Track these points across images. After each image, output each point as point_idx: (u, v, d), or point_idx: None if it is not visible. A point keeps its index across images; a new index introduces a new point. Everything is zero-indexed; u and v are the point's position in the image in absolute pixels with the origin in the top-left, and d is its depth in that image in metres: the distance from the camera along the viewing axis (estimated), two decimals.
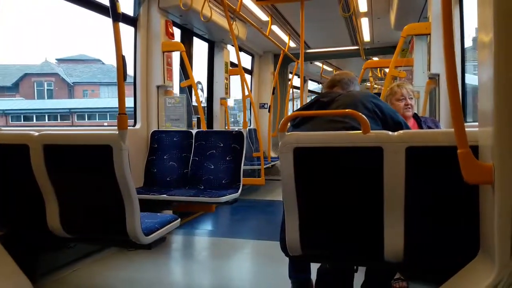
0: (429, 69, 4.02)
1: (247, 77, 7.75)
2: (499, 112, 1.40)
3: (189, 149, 4.14)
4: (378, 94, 4.19)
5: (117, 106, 2.16)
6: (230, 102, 7.16)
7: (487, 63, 1.46)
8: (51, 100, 23.27)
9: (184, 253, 3.97)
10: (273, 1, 4.96)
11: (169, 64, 4.59)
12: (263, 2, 4.97)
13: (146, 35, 4.44)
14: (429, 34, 4.00)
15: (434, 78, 4.07)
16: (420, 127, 2.95)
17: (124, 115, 2.18)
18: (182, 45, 4.58)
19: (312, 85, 12.83)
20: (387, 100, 2.98)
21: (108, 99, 23.23)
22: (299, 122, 2.31)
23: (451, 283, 1.70)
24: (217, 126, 6.21)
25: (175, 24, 4.91)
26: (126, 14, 4.26)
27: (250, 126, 7.62)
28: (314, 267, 2.50)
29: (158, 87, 4.50)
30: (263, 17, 6.05)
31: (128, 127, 2.24)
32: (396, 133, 1.81)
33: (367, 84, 10.49)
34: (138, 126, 4.35)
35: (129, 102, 2.76)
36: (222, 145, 4.01)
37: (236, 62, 6.56)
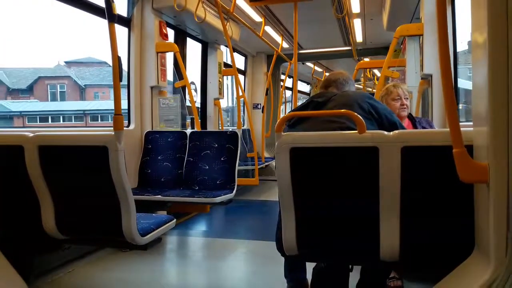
0: (422, 69, 4.05)
1: (240, 77, 7.76)
2: (494, 112, 1.42)
3: (184, 150, 4.14)
4: (372, 94, 4.21)
5: (126, 108, 2.16)
6: (223, 104, 7.15)
7: (482, 63, 1.48)
8: (66, 102, 23.92)
9: (179, 253, 3.96)
10: (267, 2, 4.96)
11: (163, 65, 4.58)
12: (256, 3, 4.97)
13: (139, 35, 4.43)
14: (422, 35, 4.03)
15: (427, 79, 4.10)
16: (415, 127, 2.98)
17: (120, 115, 2.18)
18: (176, 45, 4.57)
19: (300, 86, 12.77)
20: (382, 100, 3.00)
21: None
22: (294, 122, 2.32)
23: (447, 281, 1.72)
24: (211, 126, 6.21)
25: (169, 25, 4.90)
26: (120, 14, 4.25)
27: (243, 126, 7.63)
28: (310, 266, 2.51)
29: (152, 87, 4.48)
30: (257, 18, 6.06)
31: None
32: (391, 133, 1.83)
33: (360, 85, 10.55)
34: (132, 127, 4.33)
35: (122, 103, 2.75)
36: (216, 145, 4.02)
37: (229, 62, 6.61)
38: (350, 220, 1.94)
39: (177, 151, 4.14)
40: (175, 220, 2.74)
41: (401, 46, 5.59)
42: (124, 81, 4.10)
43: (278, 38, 7.12)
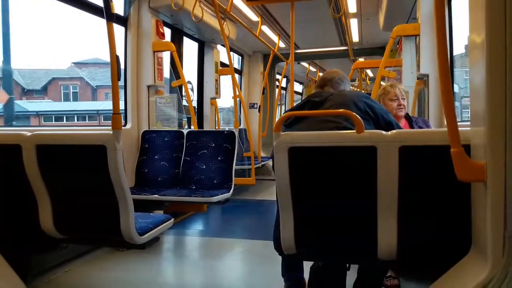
0: (418, 69, 4.07)
1: (237, 77, 7.76)
2: (491, 111, 1.43)
3: (181, 149, 4.13)
4: (369, 94, 4.23)
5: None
6: (225, 104, 7.15)
7: (479, 63, 1.49)
8: (80, 102, 24.40)
9: (176, 253, 3.97)
10: (264, 1, 4.97)
11: (160, 64, 4.58)
12: (253, 2, 4.97)
13: (136, 34, 4.42)
14: (418, 35, 4.05)
15: (423, 79, 4.12)
16: (412, 127, 2.99)
17: (118, 115, 2.18)
18: (173, 45, 4.57)
19: (295, 86, 12.78)
20: (379, 100, 3.00)
21: None
22: (291, 122, 2.32)
23: (444, 280, 1.73)
24: (207, 126, 6.21)
25: (165, 24, 4.89)
26: (117, 13, 4.23)
27: (240, 126, 7.63)
28: (307, 266, 2.52)
29: (148, 87, 4.48)
30: (253, 17, 6.06)
31: None
32: (389, 132, 1.84)
33: (356, 86, 10.58)
34: (128, 126, 4.32)
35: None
36: (213, 145, 4.02)
37: (225, 62, 6.60)
38: (348, 219, 1.94)
39: (174, 151, 4.14)
40: (172, 219, 2.74)
41: (397, 46, 5.61)
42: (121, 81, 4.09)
43: (274, 37, 7.13)
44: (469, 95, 1.66)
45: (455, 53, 4.34)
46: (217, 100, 6.37)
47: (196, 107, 6.16)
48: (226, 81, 6.60)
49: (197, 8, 4.57)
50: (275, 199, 2.13)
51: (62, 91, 25.06)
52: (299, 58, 9.17)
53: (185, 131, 4.22)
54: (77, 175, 2.34)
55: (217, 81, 6.30)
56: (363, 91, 11.27)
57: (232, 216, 5.33)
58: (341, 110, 2.04)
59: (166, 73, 4.86)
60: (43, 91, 24.27)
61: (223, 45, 6.20)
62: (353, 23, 6.70)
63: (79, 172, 2.33)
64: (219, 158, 3.96)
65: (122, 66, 4.39)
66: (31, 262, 2.89)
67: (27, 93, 24.47)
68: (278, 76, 9.40)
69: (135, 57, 4.42)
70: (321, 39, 7.82)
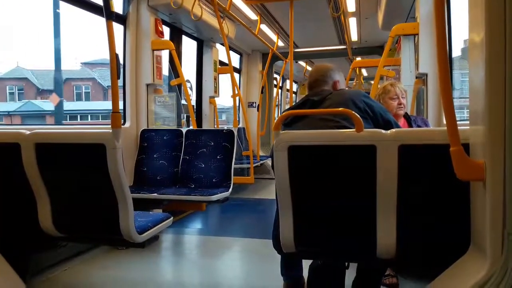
0: (417, 68, 4.07)
1: (236, 76, 7.76)
2: (490, 110, 1.43)
3: (179, 148, 4.14)
4: (368, 92, 4.24)
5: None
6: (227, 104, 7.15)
7: (479, 63, 1.50)
8: (93, 102, 25.30)
9: (175, 251, 3.97)
10: (263, 0, 4.97)
11: (159, 63, 4.58)
12: (252, 1, 4.98)
13: (135, 33, 4.42)
14: (417, 34, 4.05)
15: (421, 78, 4.13)
16: (411, 126, 3.00)
17: (118, 113, 2.17)
18: (172, 43, 4.57)
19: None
20: (380, 99, 3.00)
21: None
22: (290, 121, 2.32)
23: (443, 278, 1.73)
24: (206, 125, 6.21)
25: (164, 23, 4.89)
26: (116, 12, 4.23)
27: (239, 125, 7.64)
28: (306, 264, 2.52)
29: (147, 85, 4.48)
30: (253, 16, 6.06)
31: None
32: (389, 131, 1.84)
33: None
34: (127, 124, 4.32)
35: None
36: (212, 143, 4.02)
37: (224, 60, 6.60)
38: (348, 217, 1.95)
39: (173, 149, 4.14)
40: (172, 218, 2.75)
41: (396, 45, 5.62)
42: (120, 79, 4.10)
43: (273, 36, 7.13)
44: (468, 94, 1.67)
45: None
46: (217, 99, 6.37)
47: (195, 106, 6.15)
48: (225, 80, 6.60)
49: (196, 6, 4.57)
50: (274, 198, 2.13)
51: (74, 91, 26.22)
52: (298, 57, 9.18)
53: (184, 130, 4.21)
54: (77, 173, 2.34)
55: (216, 80, 6.30)
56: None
57: (231, 215, 5.34)
58: (341, 109, 2.04)
59: (165, 72, 4.86)
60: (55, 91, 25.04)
61: (222, 44, 6.21)
62: (352, 22, 6.71)
63: (79, 170, 2.33)
64: (218, 157, 3.96)
65: (121, 65, 4.39)
66: (30, 260, 2.89)
67: (42, 93, 25.44)
68: (275, 75, 9.40)
69: (134, 56, 4.41)
70: (320, 38, 7.82)
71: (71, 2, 3.71)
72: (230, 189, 3.80)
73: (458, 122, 1.51)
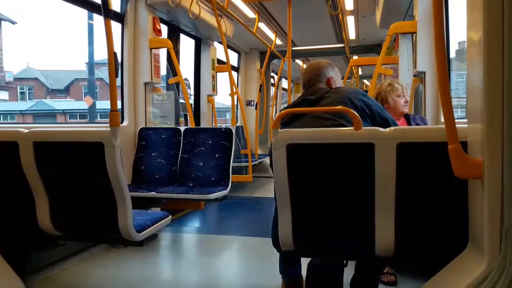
0: (415, 67, 4.08)
1: (234, 74, 7.75)
2: (488, 109, 1.44)
3: (178, 147, 4.14)
4: (366, 91, 4.25)
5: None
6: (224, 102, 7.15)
7: (477, 61, 1.50)
8: (101, 101, 25.88)
9: (173, 250, 3.97)
10: None
11: (157, 61, 4.57)
12: None
13: (133, 31, 4.41)
14: (415, 33, 4.06)
15: (419, 76, 4.14)
16: (409, 124, 3.01)
17: (116, 112, 2.17)
18: (170, 42, 4.56)
19: (284, 83, 12.69)
20: (387, 96, 3.01)
21: None
22: (288, 121, 2.31)
23: (441, 275, 1.74)
24: (204, 123, 6.20)
25: (162, 21, 4.88)
26: (114, 10, 4.23)
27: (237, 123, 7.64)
28: (305, 262, 2.53)
29: (145, 84, 4.48)
30: (250, 14, 6.06)
31: None
32: (387, 129, 1.85)
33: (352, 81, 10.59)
34: (125, 123, 4.32)
35: None
36: (210, 142, 4.02)
37: (222, 59, 6.60)
38: (346, 215, 1.95)
39: (171, 148, 4.14)
40: (170, 216, 2.75)
41: (394, 43, 5.62)
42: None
43: (271, 35, 7.12)
44: (466, 92, 1.67)
45: None
46: (218, 98, 6.37)
47: (193, 105, 6.15)
48: (223, 78, 6.60)
49: (194, 5, 4.56)
50: (272, 196, 2.13)
51: (83, 91, 27.17)
52: (296, 55, 9.18)
53: (182, 129, 4.21)
54: (75, 172, 2.33)
55: (214, 78, 6.30)
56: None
57: (230, 213, 5.34)
58: (339, 107, 2.05)
59: (163, 70, 4.86)
60: (66, 91, 26.54)
61: (220, 42, 6.20)
62: (350, 21, 6.71)
63: (77, 169, 2.33)
64: (216, 156, 3.96)
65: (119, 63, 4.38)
66: (29, 259, 2.89)
67: (51, 93, 26.67)
68: (272, 74, 9.40)
69: (132, 54, 4.41)
70: (318, 36, 7.82)
71: (69, 1, 3.70)
72: (229, 188, 3.80)
73: (456, 120, 1.52)
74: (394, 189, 1.82)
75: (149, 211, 2.91)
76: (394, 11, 5.20)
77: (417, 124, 3.03)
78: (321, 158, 1.93)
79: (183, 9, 4.54)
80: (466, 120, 1.70)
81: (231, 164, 3.94)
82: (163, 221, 2.63)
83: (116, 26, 4.33)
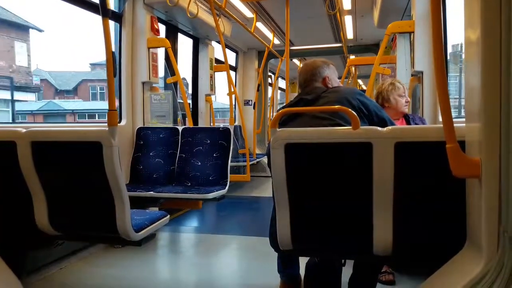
0: (412, 66, 4.08)
1: (232, 74, 7.75)
2: (486, 108, 1.44)
3: (176, 146, 4.13)
4: (364, 91, 4.25)
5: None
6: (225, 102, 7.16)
7: (474, 60, 1.50)
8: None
9: (172, 249, 3.97)
10: None
11: (154, 61, 4.57)
12: None
13: (131, 31, 4.41)
14: (413, 32, 4.06)
15: (417, 75, 4.14)
16: (409, 124, 3.02)
17: (114, 111, 2.17)
18: (168, 41, 4.56)
19: (281, 82, 12.66)
20: (389, 96, 3.01)
21: None
22: (285, 120, 2.31)
23: (439, 274, 1.74)
24: (202, 122, 6.20)
25: (160, 20, 4.88)
26: (112, 9, 4.23)
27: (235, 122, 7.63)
28: (303, 262, 2.53)
29: (143, 83, 4.47)
30: (248, 14, 6.06)
31: None
32: (385, 128, 1.85)
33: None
34: (123, 122, 4.32)
35: None
36: (209, 141, 4.01)
37: (220, 58, 6.60)
38: (344, 215, 1.96)
39: (169, 147, 4.14)
40: (168, 216, 2.74)
41: (391, 43, 5.63)
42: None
43: (269, 34, 7.13)
44: (464, 92, 1.67)
45: None
46: (219, 98, 6.38)
47: (191, 104, 6.15)
48: (221, 78, 6.59)
49: (192, 4, 4.56)
50: (270, 195, 2.13)
51: (90, 92, 28.31)
52: (294, 55, 9.19)
53: (180, 128, 4.21)
54: (73, 172, 2.33)
55: (212, 78, 6.29)
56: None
57: (227, 213, 5.34)
58: (337, 106, 2.05)
59: (161, 69, 4.85)
60: (73, 91, 27.43)
61: (218, 42, 6.20)
62: (348, 20, 6.72)
63: (75, 169, 2.32)
64: (214, 155, 3.96)
65: (117, 63, 4.37)
66: (27, 259, 2.88)
67: (59, 93, 27.53)
68: (269, 73, 9.40)
69: (129, 54, 4.41)
70: (315, 36, 7.83)
71: (68, 0, 3.69)
72: (227, 187, 3.80)
73: (453, 120, 1.52)
74: (392, 188, 1.82)
75: (147, 210, 2.91)
76: (391, 11, 5.20)
77: (416, 124, 3.03)
78: (319, 158, 1.93)
79: (181, 9, 4.54)
80: (463, 120, 1.70)
81: (229, 163, 3.94)
82: (161, 220, 2.63)
83: (114, 26, 4.32)
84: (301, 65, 2.65)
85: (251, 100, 8.11)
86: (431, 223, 1.88)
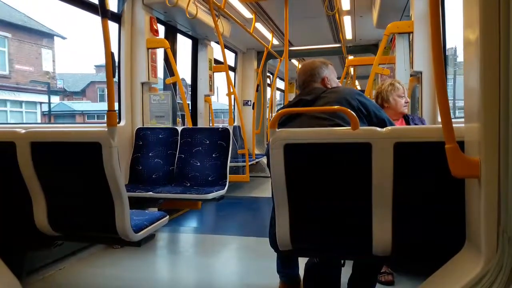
0: (412, 66, 4.09)
1: (231, 74, 7.75)
2: (485, 108, 1.44)
3: (175, 146, 4.13)
4: (362, 91, 4.26)
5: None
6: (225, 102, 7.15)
7: (473, 60, 1.50)
8: (116, 103, 28.05)
9: (171, 250, 3.97)
10: None
11: (154, 61, 4.57)
12: None
13: (130, 31, 4.41)
14: (412, 32, 4.07)
15: (416, 76, 4.15)
16: (408, 124, 3.02)
17: (113, 111, 2.17)
18: (167, 42, 4.56)
19: (279, 83, 12.64)
20: (388, 96, 3.01)
21: None
22: (285, 121, 2.31)
23: (438, 275, 1.74)
24: (202, 123, 6.20)
25: (159, 21, 4.88)
26: (111, 10, 4.22)
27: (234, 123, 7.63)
28: (302, 262, 2.53)
29: (142, 84, 4.47)
30: (247, 14, 6.06)
31: None
32: (384, 129, 1.85)
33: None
34: (122, 123, 4.32)
35: None
36: (208, 142, 4.01)
37: (219, 59, 6.60)
38: (343, 215, 1.96)
39: (168, 148, 4.13)
40: (168, 216, 2.74)
41: (390, 43, 5.63)
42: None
43: (268, 35, 7.13)
44: (463, 92, 1.67)
45: None
46: (217, 98, 6.38)
47: (190, 104, 6.15)
48: (220, 79, 6.59)
49: (191, 5, 4.56)
50: (269, 196, 2.13)
51: (98, 93, 28.58)
52: (293, 55, 9.19)
53: (179, 128, 4.21)
54: (72, 172, 2.33)
55: (211, 78, 6.30)
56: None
57: (227, 213, 5.34)
58: (336, 107, 2.05)
59: (160, 70, 4.85)
60: (82, 93, 27.96)
61: (217, 42, 6.19)
62: (347, 20, 6.71)
63: (74, 169, 2.32)
64: (213, 155, 3.96)
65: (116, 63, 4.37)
66: (26, 259, 2.87)
67: (68, 95, 27.98)
68: (268, 74, 9.40)
69: (129, 54, 4.40)
70: (314, 36, 7.83)
71: (67, 1, 3.69)
72: (226, 187, 3.80)
73: (453, 120, 1.52)
74: (391, 188, 1.82)
75: (146, 211, 2.91)
76: (390, 11, 5.21)
77: (416, 124, 3.04)
78: (318, 158, 1.93)
79: (180, 9, 4.54)
80: (463, 120, 1.70)
81: (229, 164, 3.94)
82: (160, 221, 2.63)
83: (113, 26, 4.32)
84: (300, 66, 2.65)
85: (250, 101, 8.11)
86: (430, 224, 1.88)
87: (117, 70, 4.36)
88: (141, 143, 4.21)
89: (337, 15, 5.83)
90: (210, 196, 3.55)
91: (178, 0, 4.38)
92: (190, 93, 6.28)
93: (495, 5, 1.40)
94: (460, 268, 1.62)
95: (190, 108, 6.06)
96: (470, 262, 1.57)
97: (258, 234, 4.02)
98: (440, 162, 1.57)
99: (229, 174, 3.96)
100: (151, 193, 3.64)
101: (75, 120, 25.60)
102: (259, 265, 3.33)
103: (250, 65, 8.46)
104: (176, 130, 4.19)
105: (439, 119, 1.55)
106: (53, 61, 20.88)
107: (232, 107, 6.37)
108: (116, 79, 4.30)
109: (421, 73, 4.01)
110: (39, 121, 21.53)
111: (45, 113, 23.66)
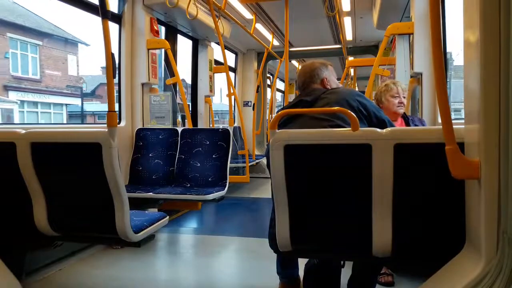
0: (412, 67, 4.09)
1: (231, 75, 7.75)
2: (485, 110, 1.44)
3: (175, 147, 4.13)
4: (363, 92, 4.26)
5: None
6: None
7: (474, 62, 1.50)
8: None
9: (171, 250, 3.96)
10: None
11: (154, 62, 4.57)
12: (248, 0, 4.98)
13: (130, 32, 4.41)
14: (412, 34, 4.07)
15: (416, 77, 4.14)
16: (408, 125, 3.02)
17: (114, 112, 2.17)
18: (167, 42, 4.56)
19: (278, 84, 12.63)
20: (381, 96, 3.01)
21: None
22: (285, 121, 2.31)
23: (438, 276, 1.74)
24: (202, 124, 6.20)
25: (159, 22, 4.88)
26: (111, 11, 4.23)
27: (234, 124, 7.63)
28: (302, 263, 2.53)
29: (143, 84, 4.47)
30: (248, 15, 6.06)
31: None
32: (384, 130, 1.85)
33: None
34: (122, 123, 4.32)
35: None
36: (208, 142, 4.01)
37: (219, 59, 6.60)
38: (343, 216, 1.96)
39: (168, 148, 4.14)
40: (167, 217, 2.74)
41: (390, 44, 5.63)
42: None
43: (268, 35, 7.13)
44: (463, 93, 1.68)
45: None
46: (218, 99, 6.38)
47: (190, 105, 6.15)
48: (220, 80, 6.59)
49: (192, 5, 4.56)
50: (269, 196, 2.13)
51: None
52: (293, 56, 9.19)
53: (179, 129, 4.21)
54: (72, 173, 2.33)
55: (211, 79, 6.30)
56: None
57: (227, 214, 5.34)
58: (336, 108, 2.05)
59: (160, 71, 4.86)
60: (92, 94, 28.37)
61: (217, 43, 6.20)
62: (347, 21, 6.71)
63: (74, 170, 2.32)
64: (213, 156, 3.96)
65: (117, 64, 4.37)
66: (26, 259, 2.88)
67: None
68: (268, 75, 9.40)
69: (129, 55, 4.41)
70: (315, 37, 7.83)
71: (67, 1, 3.70)
72: (226, 188, 3.80)
73: (453, 121, 1.52)
74: (392, 189, 1.82)
75: (146, 211, 2.90)
76: (390, 12, 5.21)
77: (416, 125, 3.04)
78: (318, 159, 1.93)
79: (180, 10, 4.54)
80: (463, 121, 1.70)
81: (229, 164, 3.94)
82: (160, 221, 2.63)
83: (113, 27, 4.33)
84: (300, 67, 2.66)
85: (251, 101, 8.11)
86: (430, 225, 1.88)
87: (117, 71, 4.36)
88: (141, 143, 4.21)
89: (337, 16, 5.83)
90: (210, 197, 3.55)
91: (179, 1, 4.39)
92: (189, 94, 6.28)
93: (496, 6, 1.40)
94: (460, 269, 1.62)
95: (190, 109, 6.06)
96: (470, 263, 1.57)
97: (258, 235, 4.02)
98: (440, 163, 1.57)
99: (229, 174, 3.96)
100: (151, 193, 3.64)
101: (87, 121, 26.48)
102: (259, 266, 3.33)
103: (250, 66, 8.46)
104: (176, 130, 4.19)
105: (439, 120, 1.55)
106: (77, 66, 23.00)
107: (233, 108, 6.37)
108: (116, 79, 4.30)
109: (421, 74, 4.01)
110: (65, 121, 23.24)
111: (70, 113, 24.64)
